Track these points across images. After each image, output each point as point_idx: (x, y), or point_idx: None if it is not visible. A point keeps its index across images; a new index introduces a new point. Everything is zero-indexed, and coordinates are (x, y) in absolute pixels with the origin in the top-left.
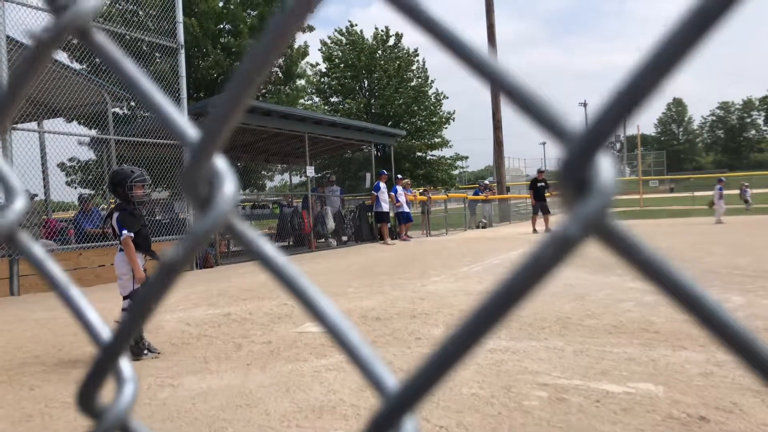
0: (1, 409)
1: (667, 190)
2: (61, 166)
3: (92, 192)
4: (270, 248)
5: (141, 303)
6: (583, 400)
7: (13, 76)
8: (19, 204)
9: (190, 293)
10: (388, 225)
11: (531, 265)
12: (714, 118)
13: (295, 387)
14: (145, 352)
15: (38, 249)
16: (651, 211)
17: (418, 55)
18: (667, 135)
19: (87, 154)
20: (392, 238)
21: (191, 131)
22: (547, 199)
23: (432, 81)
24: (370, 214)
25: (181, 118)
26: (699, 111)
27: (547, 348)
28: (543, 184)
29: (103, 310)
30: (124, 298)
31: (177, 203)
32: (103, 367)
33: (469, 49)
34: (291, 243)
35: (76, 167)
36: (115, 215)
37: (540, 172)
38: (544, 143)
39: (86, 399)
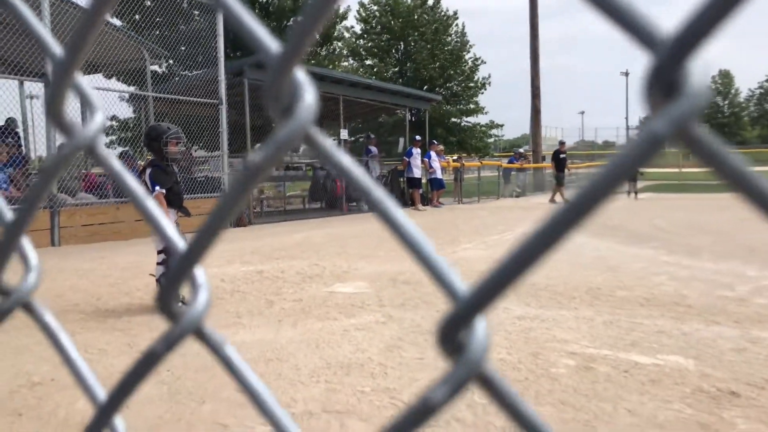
0: (44, 352)
1: None
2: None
3: (128, 149)
4: (347, 160)
5: (224, 206)
6: (611, 369)
7: (76, 29)
8: (99, 118)
9: (225, 250)
10: (420, 191)
11: (617, 163)
12: (762, 90)
13: (324, 344)
14: (179, 304)
15: (116, 161)
16: (690, 185)
17: (457, 18)
18: (711, 108)
19: (126, 111)
20: (423, 204)
21: (273, 44)
22: (566, 172)
23: (471, 45)
24: (402, 179)
25: (261, 30)
26: (747, 84)
27: (576, 317)
28: (564, 155)
29: (140, 263)
30: (158, 252)
31: (212, 162)
32: (180, 273)
33: None
34: (323, 206)
35: (116, 126)
36: (148, 171)
37: (561, 143)
38: (582, 113)
39: (165, 302)
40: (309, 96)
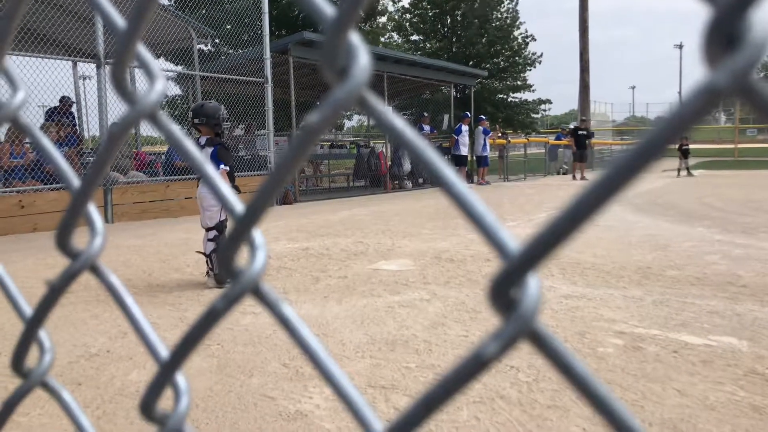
0: (100, 326)
1: (767, 140)
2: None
3: (182, 128)
4: (399, 121)
5: (282, 167)
6: (661, 350)
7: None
8: (160, 86)
9: (271, 227)
10: (466, 168)
11: (675, 116)
12: None
13: (369, 320)
14: (228, 279)
15: (175, 127)
16: (746, 162)
17: None
18: None
19: (173, 90)
20: (469, 182)
21: (328, 7)
22: (587, 148)
23: (521, 23)
24: (447, 157)
25: None
26: None
27: (625, 297)
28: (585, 132)
29: (189, 240)
30: (208, 229)
31: (259, 140)
32: (239, 234)
33: None
34: (367, 183)
35: (164, 103)
36: (210, 149)
37: (582, 121)
38: (633, 87)
39: (227, 263)
40: (363, 58)
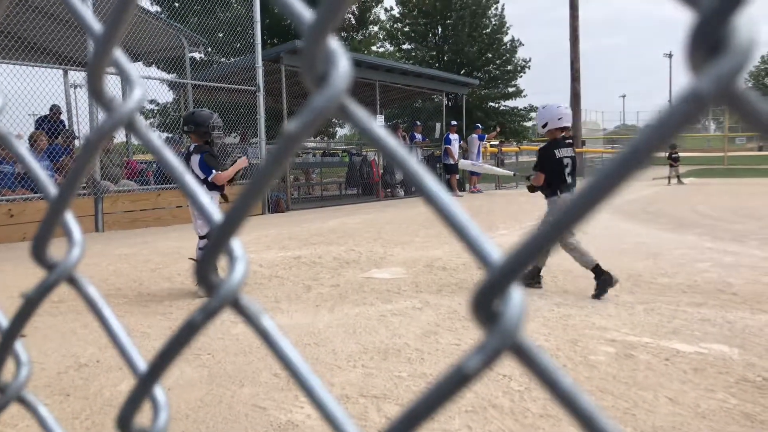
0: (89, 335)
1: (756, 148)
2: (142, 110)
3: (173, 135)
4: (382, 130)
5: (261, 176)
6: (652, 357)
7: (114, 5)
8: (138, 93)
9: (263, 236)
10: (457, 177)
11: (660, 124)
12: None
13: (361, 329)
14: (205, 292)
15: (155, 137)
16: (736, 169)
17: (498, 0)
18: (761, 89)
19: (165, 96)
20: (461, 190)
21: (307, 12)
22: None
23: (508, 27)
24: (439, 165)
25: (296, 1)
26: None
27: (616, 305)
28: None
29: (180, 249)
30: (201, 237)
31: (250, 148)
32: (217, 245)
33: None
34: (359, 192)
35: (155, 111)
36: (196, 157)
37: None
38: (623, 96)
39: (204, 273)
40: (343, 64)
